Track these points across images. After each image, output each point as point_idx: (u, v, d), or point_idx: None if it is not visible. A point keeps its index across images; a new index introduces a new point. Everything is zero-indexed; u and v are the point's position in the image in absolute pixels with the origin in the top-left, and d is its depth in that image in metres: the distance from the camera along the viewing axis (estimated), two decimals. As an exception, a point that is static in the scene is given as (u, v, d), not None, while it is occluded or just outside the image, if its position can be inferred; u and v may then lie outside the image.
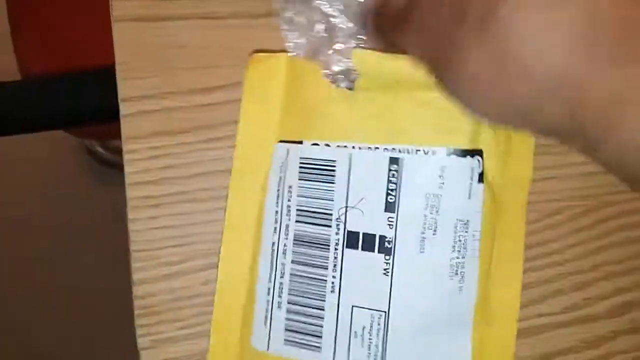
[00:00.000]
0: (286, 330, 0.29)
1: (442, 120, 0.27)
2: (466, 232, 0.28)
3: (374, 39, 0.27)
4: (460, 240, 0.28)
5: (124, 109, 0.30)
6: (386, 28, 0.25)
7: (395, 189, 0.28)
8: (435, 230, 0.28)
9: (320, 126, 0.29)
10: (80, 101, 0.40)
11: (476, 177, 0.28)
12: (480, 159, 0.28)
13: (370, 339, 0.28)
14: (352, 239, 0.28)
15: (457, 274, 0.28)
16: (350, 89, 0.28)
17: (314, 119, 0.29)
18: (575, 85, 0.16)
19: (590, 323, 0.33)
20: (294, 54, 0.29)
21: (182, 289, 0.29)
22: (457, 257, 0.28)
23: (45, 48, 0.57)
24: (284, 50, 0.29)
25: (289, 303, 0.29)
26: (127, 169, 0.29)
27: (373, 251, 0.28)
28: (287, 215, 0.29)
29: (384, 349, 0.28)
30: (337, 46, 0.28)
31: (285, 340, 0.29)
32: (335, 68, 0.28)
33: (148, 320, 0.29)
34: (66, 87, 0.40)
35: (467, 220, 0.28)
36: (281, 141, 0.30)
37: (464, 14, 0.18)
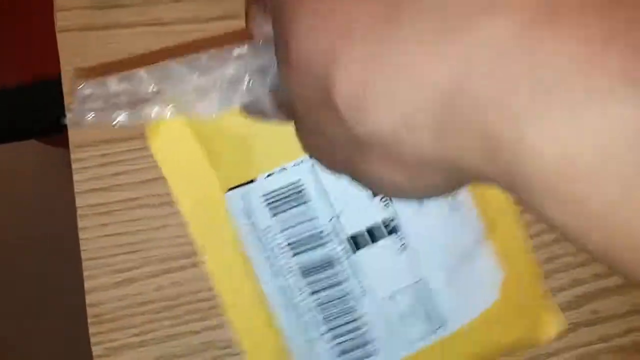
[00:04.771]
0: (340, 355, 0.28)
1: None
2: None
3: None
4: None
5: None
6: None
7: None
8: None
9: (265, 157, 0.27)
10: (29, 113, 0.40)
11: None
12: None
13: (415, 307, 0.28)
14: (357, 241, 0.27)
15: (457, 206, 0.28)
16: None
17: (253, 155, 0.27)
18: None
19: (549, 315, 0.32)
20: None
21: (134, 295, 0.29)
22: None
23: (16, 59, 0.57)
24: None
25: (330, 330, 0.28)
26: (76, 177, 0.29)
27: (385, 237, 0.27)
28: (281, 254, 0.28)
29: (432, 306, 0.28)
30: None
31: None
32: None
33: (101, 328, 0.29)
34: (17, 100, 0.40)
35: None
36: (230, 189, 0.28)
37: None
